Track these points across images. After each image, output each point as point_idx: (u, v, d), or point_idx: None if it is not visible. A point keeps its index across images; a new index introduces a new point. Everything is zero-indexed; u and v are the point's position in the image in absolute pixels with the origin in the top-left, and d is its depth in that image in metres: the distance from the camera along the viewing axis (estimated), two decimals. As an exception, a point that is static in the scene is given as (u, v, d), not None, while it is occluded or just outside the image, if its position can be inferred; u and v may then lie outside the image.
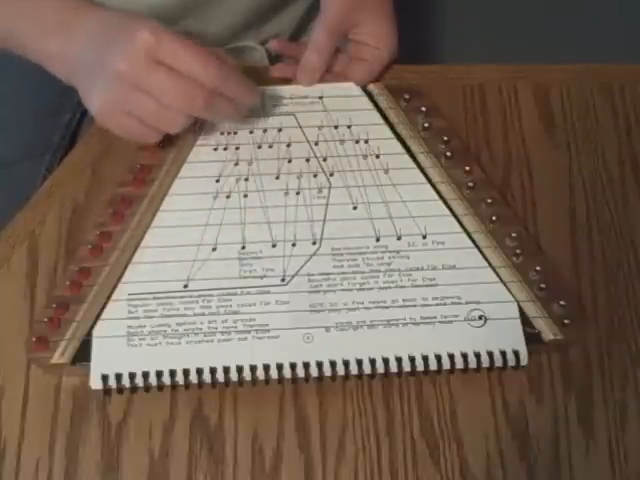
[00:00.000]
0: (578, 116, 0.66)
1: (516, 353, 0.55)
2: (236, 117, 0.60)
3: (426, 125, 0.62)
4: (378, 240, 0.58)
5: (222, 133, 0.62)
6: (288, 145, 0.62)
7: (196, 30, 0.72)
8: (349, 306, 0.56)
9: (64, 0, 0.57)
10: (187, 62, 0.52)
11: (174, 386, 0.54)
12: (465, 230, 0.59)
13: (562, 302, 0.56)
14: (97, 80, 0.54)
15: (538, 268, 0.57)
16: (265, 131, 0.62)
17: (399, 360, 0.54)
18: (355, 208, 0.60)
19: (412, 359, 0.54)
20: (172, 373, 0.54)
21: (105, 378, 0.54)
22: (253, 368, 0.54)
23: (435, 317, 0.56)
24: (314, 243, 0.58)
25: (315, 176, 0.61)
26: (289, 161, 0.61)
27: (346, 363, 0.54)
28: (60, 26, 0.56)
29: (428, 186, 0.61)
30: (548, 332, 0.55)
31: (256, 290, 0.56)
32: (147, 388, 0.54)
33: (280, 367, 0.54)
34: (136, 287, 0.56)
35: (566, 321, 0.56)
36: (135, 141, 0.58)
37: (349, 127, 0.63)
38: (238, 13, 0.73)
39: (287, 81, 0.66)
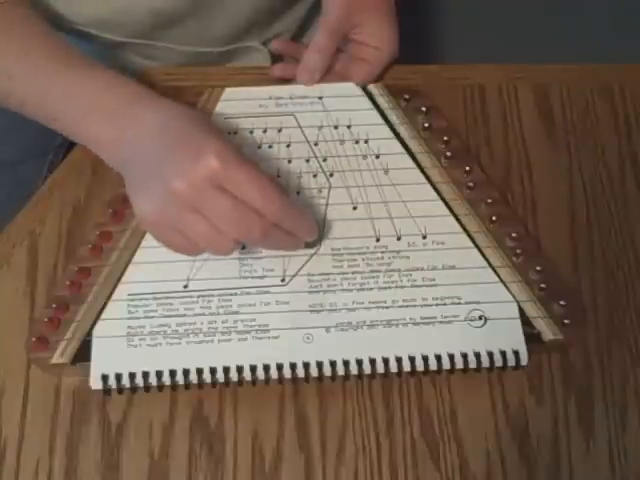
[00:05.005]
0: (578, 116, 0.66)
1: (516, 353, 0.54)
2: (290, 249, 0.57)
3: (426, 125, 0.62)
4: (378, 240, 0.58)
5: (222, 133, 0.62)
6: (288, 145, 0.62)
7: (199, 31, 0.72)
8: (349, 306, 0.56)
9: (123, 87, 0.54)
10: (250, 192, 0.49)
11: (174, 386, 0.54)
12: (465, 230, 0.59)
13: (562, 302, 0.56)
14: (150, 185, 0.50)
15: (538, 268, 0.57)
16: (265, 131, 0.62)
17: (399, 360, 0.54)
18: (355, 208, 0.60)
19: (412, 359, 0.54)
20: (172, 373, 0.54)
21: (105, 378, 0.54)
22: (253, 368, 0.54)
23: (435, 317, 0.56)
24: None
25: (315, 176, 0.61)
26: (289, 161, 0.61)
27: (346, 363, 0.54)
28: (117, 116, 0.53)
29: (428, 186, 0.61)
30: (548, 332, 0.55)
31: (256, 290, 0.56)
32: (147, 388, 0.54)
33: (280, 367, 0.54)
34: (136, 287, 0.56)
35: (566, 321, 0.56)
36: (175, 252, 0.53)
37: (349, 127, 0.63)
38: (241, 15, 0.72)
39: (287, 81, 0.66)
